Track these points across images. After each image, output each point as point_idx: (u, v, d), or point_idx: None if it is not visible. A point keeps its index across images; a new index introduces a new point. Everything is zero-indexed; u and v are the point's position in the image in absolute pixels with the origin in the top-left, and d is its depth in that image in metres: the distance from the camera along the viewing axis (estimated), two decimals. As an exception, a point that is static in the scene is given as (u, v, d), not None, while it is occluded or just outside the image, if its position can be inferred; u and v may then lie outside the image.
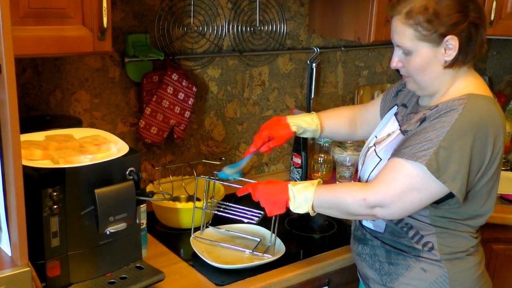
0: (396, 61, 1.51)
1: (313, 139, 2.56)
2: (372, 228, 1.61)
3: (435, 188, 1.41)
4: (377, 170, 1.55)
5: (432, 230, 1.51)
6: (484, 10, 1.48)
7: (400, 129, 1.57)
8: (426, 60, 1.46)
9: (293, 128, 1.80)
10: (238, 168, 1.80)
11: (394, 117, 1.66)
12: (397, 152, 1.46)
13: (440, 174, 1.38)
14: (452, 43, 1.43)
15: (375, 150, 1.61)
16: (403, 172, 1.42)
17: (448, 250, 1.51)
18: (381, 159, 1.56)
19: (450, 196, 1.44)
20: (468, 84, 1.49)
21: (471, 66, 1.52)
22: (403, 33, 1.45)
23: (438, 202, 1.46)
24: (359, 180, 1.67)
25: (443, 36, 1.42)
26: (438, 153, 1.37)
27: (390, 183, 1.43)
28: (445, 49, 1.44)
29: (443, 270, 1.51)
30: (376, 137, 1.67)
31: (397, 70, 1.56)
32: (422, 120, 1.47)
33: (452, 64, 1.46)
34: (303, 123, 1.82)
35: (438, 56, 1.45)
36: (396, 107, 1.70)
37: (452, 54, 1.44)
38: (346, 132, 1.91)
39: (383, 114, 1.77)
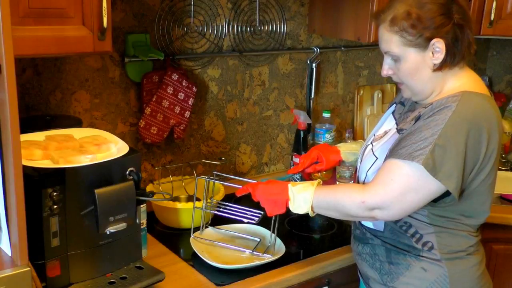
0: (387, 69, 1.54)
1: (312, 138, 2.56)
2: (372, 227, 1.61)
3: (432, 187, 1.41)
4: (374, 169, 1.55)
5: (431, 230, 1.51)
6: (468, 11, 1.50)
7: (396, 128, 1.57)
8: (415, 65, 1.47)
9: (343, 156, 1.84)
10: None
11: (391, 115, 1.67)
12: (393, 152, 1.46)
13: (436, 172, 1.38)
14: (438, 46, 1.44)
15: (372, 149, 1.61)
16: (401, 173, 1.42)
17: (448, 250, 1.51)
18: (377, 158, 1.56)
19: (446, 194, 1.44)
20: (463, 83, 1.50)
21: (464, 65, 1.52)
22: (390, 40, 1.47)
23: (435, 201, 1.47)
24: (357, 179, 1.68)
25: (429, 39, 1.44)
26: (434, 151, 1.38)
27: (388, 184, 1.43)
28: (432, 53, 1.45)
29: (443, 270, 1.51)
30: (374, 135, 1.67)
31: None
32: (417, 119, 1.48)
33: (441, 67, 1.47)
34: (353, 149, 1.85)
35: (426, 60, 1.46)
36: (394, 105, 1.70)
37: (439, 57, 1.45)
38: None
39: None
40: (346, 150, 1.85)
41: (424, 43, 1.44)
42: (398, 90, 1.78)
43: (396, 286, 1.57)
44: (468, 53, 1.50)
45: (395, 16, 1.45)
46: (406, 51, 1.46)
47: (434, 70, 1.48)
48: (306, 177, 1.90)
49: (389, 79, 2.84)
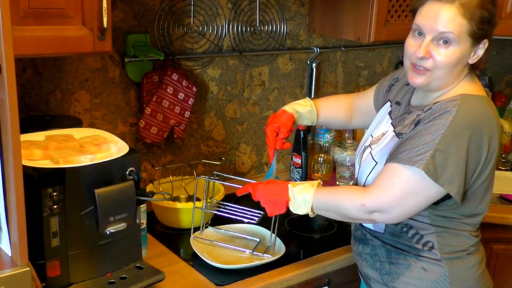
0: (426, 51, 1.43)
1: (312, 138, 2.56)
2: (372, 228, 1.61)
3: (433, 191, 1.41)
4: (374, 174, 1.55)
5: (431, 230, 1.51)
6: None
7: (394, 131, 1.56)
8: (463, 56, 1.44)
9: (290, 111, 1.78)
10: (272, 174, 1.77)
11: (388, 115, 1.66)
12: (393, 157, 1.46)
13: (438, 177, 1.38)
14: (483, 47, 1.45)
15: (370, 152, 1.60)
16: (401, 177, 1.42)
17: (448, 249, 1.51)
18: (377, 163, 1.56)
19: (447, 197, 1.44)
20: (462, 84, 1.49)
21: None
22: (455, 22, 1.40)
23: (436, 203, 1.46)
24: (356, 183, 1.67)
25: (483, 37, 1.43)
26: (435, 156, 1.38)
27: (388, 188, 1.43)
28: (474, 51, 1.45)
29: (443, 269, 1.51)
30: (372, 137, 1.66)
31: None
32: (416, 123, 1.47)
33: (473, 67, 1.48)
34: (297, 106, 1.82)
35: (469, 55, 1.46)
36: (389, 103, 1.69)
37: (476, 58, 1.46)
38: (343, 119, 1.91)
39: (377, 107, 1.77)
40: (290, 105, 1.81)
41: (479, 39, 1.43)
42: (392, 86, 1.75)
43: (397, 286, 1.57)
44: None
45: (470, 2, 1.40)
46: (466, 39, 1.42)
47: (470, 68, 1.48)
48: (271, 156, 1.82)
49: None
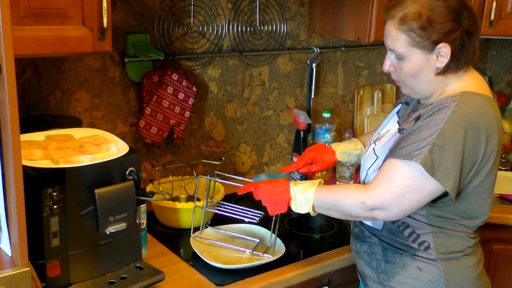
0: (388, 65, 1.53)
1: (313, 138, 2.56)
2: (371, 225, 1.62)
3: (431, 187, 1.41)
4: (374, 168, 1.55)
5: (428, 229, 1.51)
6: (478, 18, 1.48)
7: (398, 127, 1.57)
8: (418, 66, 1.47)
9: (338, 156, 1.83)
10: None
11: (396, 114, 1.67)
12: (393, 152, 1.46)
13: (434, 172, 1.39)
14: (444, 50, 1.43)
15: (373, 148, 1.61)
16: (400, 173, 1.42)
17: (444, 250, 1.52)
18: (377, 157, 1.56)
19: (444, 194, 1.44)
20: (464, 83, 1.50)
21: (469, 68, 1.52)
22: (396, 38, 1.46)
23: (434, 201, 1.47)
24: (359, 178, 1.68)
25: (435, 43, 1.43)
26: (433, 151, 1.38)
27: (388, 185, 1.44)
28: (437, 56, 1.45)
29: (438, 270, 1.51)
30: (378, 134, 1.67)
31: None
32: (417, 118, 1.48)
33: (444, 71, 1.47)
34: (349, 149, 1.85)
35: (430, 62, 1.46)
36: (400, 104, 1.70)
37: (444, 61, 1.45)
38: None
39: None
40: (341, 150, 1.85)
41: (430, 46, 1.43)
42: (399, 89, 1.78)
43: (392, 285, 1.57)
44: (472, 59, 1.49)
45: (406, 15, 1.43)
46: (411, 51, 1.45)
47: (437, 74, 1.47)
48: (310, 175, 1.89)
49: (389, 79, 2.84)
